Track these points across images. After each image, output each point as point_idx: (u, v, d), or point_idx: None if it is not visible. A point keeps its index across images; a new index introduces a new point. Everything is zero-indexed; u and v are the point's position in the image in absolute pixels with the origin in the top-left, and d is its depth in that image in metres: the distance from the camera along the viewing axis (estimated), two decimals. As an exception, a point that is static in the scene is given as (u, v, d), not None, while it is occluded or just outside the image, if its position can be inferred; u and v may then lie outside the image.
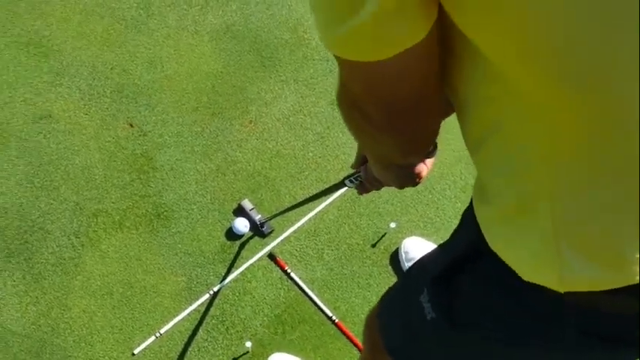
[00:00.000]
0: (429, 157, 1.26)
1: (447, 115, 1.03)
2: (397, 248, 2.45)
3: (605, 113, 0.74)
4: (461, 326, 1.13)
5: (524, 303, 0.99)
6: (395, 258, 2.45)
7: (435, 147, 1.23)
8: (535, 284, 0.92)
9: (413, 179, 1.29)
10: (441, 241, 2.41)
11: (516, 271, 0.94)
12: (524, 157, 0.84)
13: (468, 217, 1.09)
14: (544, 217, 0.86)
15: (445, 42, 0.79)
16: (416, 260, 1.45)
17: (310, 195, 2.38)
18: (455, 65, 0.83)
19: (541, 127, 0.78)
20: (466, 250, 1.09)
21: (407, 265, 2.39)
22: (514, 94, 0.77)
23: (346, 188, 1.76)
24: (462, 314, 1.13)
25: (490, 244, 0.97)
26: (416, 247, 2.41)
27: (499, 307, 1.05)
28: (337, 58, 0.80)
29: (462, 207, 2.56)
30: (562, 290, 0.90)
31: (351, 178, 1.63)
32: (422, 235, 2.49)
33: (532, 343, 1.04)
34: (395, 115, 0.87)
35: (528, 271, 0.93)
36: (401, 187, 1.33)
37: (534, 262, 0.92)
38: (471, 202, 1.07)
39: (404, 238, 2.45)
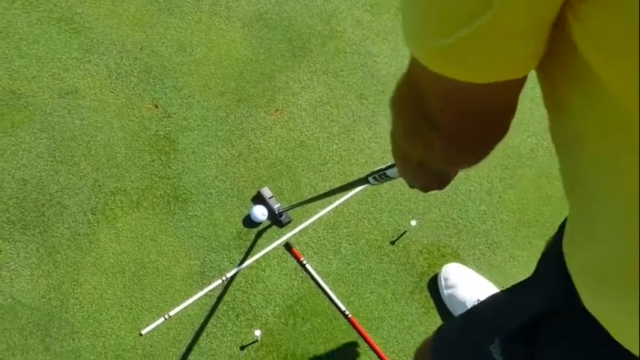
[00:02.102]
0: None
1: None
2: (436, 274, 2.37)
3: None
4: None
5: None
6: (434, 284, 2.37)
7: None
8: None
9: (439, 183, 1.24)
10: (473, 263, 2.36)
11: (618, 339, 0.81)
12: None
13: (550, 262, 1.00)
14: None
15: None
16: (482, 300, 1.35)
17: (331, 188, 2.35)
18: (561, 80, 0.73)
19: None
20: (550, 304, 1.00)
21: (446, 292, 2.31)
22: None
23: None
24: None
25: (586, 303, 0.86)
26: (456, 274, 2.32)
27: None
28: (417, 68, 0.74)
29: (486, 210, 2.50)
30: None
31: (376, 176, 1.58)
32: (443, 235, 2.42)
33: None
34: (468, 130, 0.82)
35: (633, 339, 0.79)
36: (425, 190, 1.28)
37: (621, 323, 0.79)
38: (552, 244, 0.99)
39: (445, 264, 2.36)
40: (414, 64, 0.77)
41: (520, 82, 0.73)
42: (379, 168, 1.55)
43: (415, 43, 0.72)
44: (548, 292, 1.00)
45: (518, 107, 0.83)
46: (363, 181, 1.67)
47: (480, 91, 0.71)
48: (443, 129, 0.83)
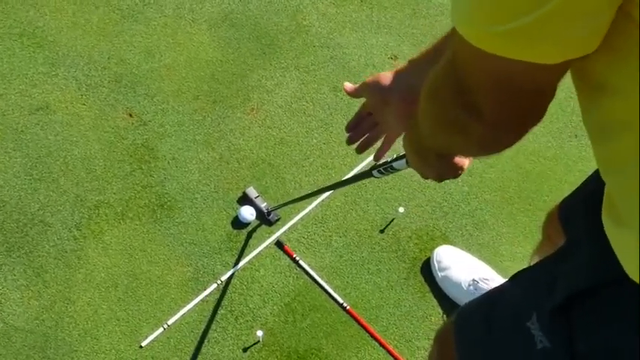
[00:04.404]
0: None
1: None
2: (428, 258, 2.39)
3: None
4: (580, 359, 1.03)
5: None
6: (427, 268, 2.38)
7: None
8: None
9: (454, 170, 1.25)
10: (463, 243, 2.38)
11: None
12: None
13: (586, 239, 1.01)
14: None
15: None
16: (517, 273, 1.32)
17: (315, 182, 2.36)
18: (609, 52, 0.75)
19: None
20: (590, 278, 0.99)
21: (440, 274, 2.33)
22: None
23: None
24: (585, 348, 1.02)
25: (626, 268, 0.86)
26: (448, 256, 2.35)
27: (629, 345, 0.94)
28: (465, 54, 0.75)
29: (469, 191, 2.53)
30: None
31: (380, 169, 1.57)
32: (430, 220, 2.45)
33: None
34: (510, 114, 0.83)
35: None
36: (440, 178, 1.29)
37: None
38: (583, 224, 1.00)
39: (436, 248, 2.38)
40: (461, 50, 0.77)
41: (571, 62, 0.74)
42: (384, 160, 1.55)
43: (475, 29, 0.72)
44: (584, 271, 1.00)
45: None
46: (367, 174, 1.66)
47: (534, 72, 0.72)
48: (485, 115, 0.84)
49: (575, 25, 0.65)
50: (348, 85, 1.41)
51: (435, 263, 2.34)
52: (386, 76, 1.31)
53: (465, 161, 1.24)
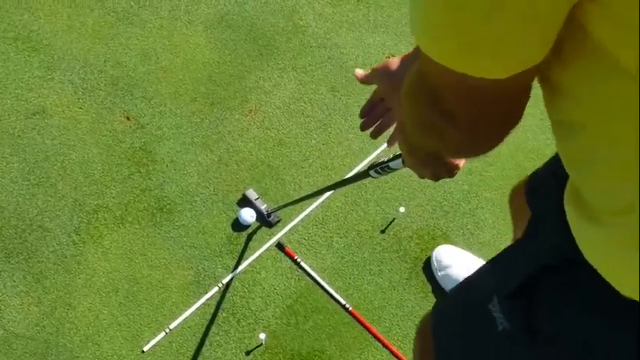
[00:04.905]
0: None
1: None
2: (429, 257, 2.38)
3: None
4: (539, 339, 1.04)
5: (625, 325, 0.89)
6: (428, 267, 2.38)
7: None
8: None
9: (450, 170, 1.25)
10: (464, 242, 2.38)
11: (618, 288, 0.84)
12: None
13: (548, 222, 1.02)
14: None
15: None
16: (481, 267, 1.35)
17: (315, 183, 2.34)
18: (559, 58, 0.77)
19: None
20: (550, 260, 1.00)
21: (440, 273, 2.33)
22: None
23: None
24: (544, 329, 1.04)
25: (586, 255, 0.88)
26: (448, 255, 2.35)
27: (592, 327, 0.95)
28: (431, 67, 0.75)
29: (469, 189, 2.53)
30: None
31: (377, 169, 1.57)
32: (431, 219, 2.44)
33: None
34: (487, 121, 0.82)
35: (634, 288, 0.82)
36: (436, 178, 1.29)
37: None
38: (551, 198, 1.01)
39: (436, 247, 2.38)
40: (426, 63, 0.77)
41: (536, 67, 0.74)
42: (381, 160, 1.55)
43: (434, 46, 0.72)
44: (547, 249, 1.01)
45: None
46: (364, 174, 1.66)
47: (502, 82, 0.72)
48: (461, 123, 0.83)
49: (524, 40, 0.66)
50: (359, 72, 1.43)
51: (435, 262, 2.34)
52: (394, 62, 1.32)
53: (460, 161, 1.24)
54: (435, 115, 0.85)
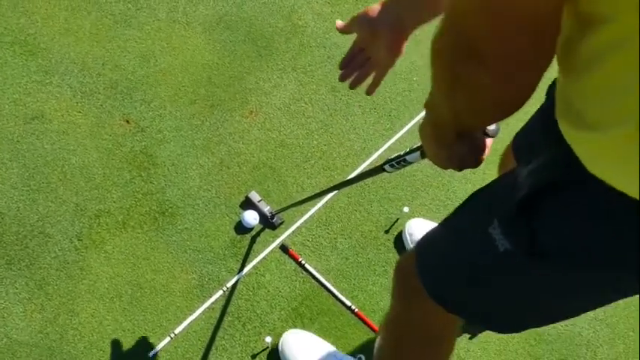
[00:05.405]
0: (489, 137, 1.22)
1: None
2: (401, 231, 2.39)
3: None
4: (542, 255, 1.06)
5: (620, 226, 0.93)
6: (400, 241, 2.39)
7: (498, 128, 1.20)
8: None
9: (476, 154, 1.23)
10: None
11: (622, 188, 0.87)
12: None
13: (542, 145, 1.03)
14: None
15: None
16: (473, 193, 1.36)
17: (317, 184, 2.32)
18: None
19: None
20: (549, 178, 1.02)
21: (412, 246, 2.33)
22: None
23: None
24: (545, 243, 1.05)
25: (592, 169, 0.90)
26: (420, 228, 2.36)
27: (592, 233, 0.98)
28: None
29: (472, 188, 2.50)
30: None
31: (393, 163, 1.55)
32: (436, 219, 2.43)
33: (625, 268, 0.98)
34: (512, 48, 0.83)
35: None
36: (460, 165, 1.27)
37: None
38: (535, 131, 1.02)
39: (408, 220, 2.40)
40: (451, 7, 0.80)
41: None
42: (397, 154, 1.53)
43: None
44: (545, 165, 1.02)
45: None
46: (379, 170, 1.64)
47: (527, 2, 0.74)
48: (490, 62, 0.85)
49: None
50: (339, 22, 1.46)
51: (408, 236, 2.35)
52: (374, 9, 1.35)
53: (486, 145, 1.23)
54: (464, 60, 0.88)
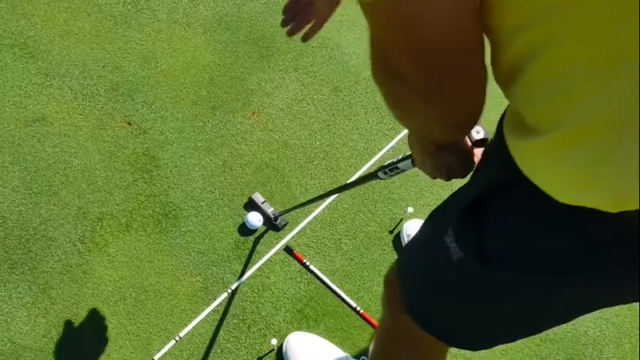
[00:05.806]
0: (478, 147, 1.22)
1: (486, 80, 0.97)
2: (399, 232, 2.38)
3: None
4: (494, 262, 1.04)
5: (567, 230, 0.92)
6: (398, 241, 2.39)
7: (487, 138, 1.20)
8: (580, 209, 0.84)
9: (460, 168, 1.23)
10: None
11: (559, 197, 0.87)
12: (580, 75, 0.76)
13: (493, 153, 1.05)
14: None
15: None
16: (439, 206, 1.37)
17: (321, 185, 2.31)
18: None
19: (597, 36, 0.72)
20: (495, 184, 1.02)
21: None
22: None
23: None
24: (495, 250, 1.04)
25: (530, 175, 0.90)
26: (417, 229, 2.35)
27: (539, 238, 0.97)
28: (367, 12, 0.80)
29: (476, 187, 2.51)
30: (615, 210, 0.81)
31: (386, 170, 1.57)
32: (440, 218, 2.43)
33: (578, 269, 0.96)
34: (432, 70, 0.85)
35: (576, 193, 0.84)
36: (448, 177, 1.27)
37: (587, 180, 0.82)
38: (493, 141, 1.05)
39: (407, 221, 2.40)
40: (368, 21, 0.83)
41: (469, 14, 0.78)
42: (390, 161, 1.54)
43: None
44: (497, 169, 1.03)
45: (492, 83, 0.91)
46: (373, 176, 1.65)
47: (433, 21, 0.77)
48: (410, 77, 0.86)
49: None
50: None
51: (405, 237, 2.36)
52: None
53: (475, 154, 1.23)
54: (393, 80, 0.90)
